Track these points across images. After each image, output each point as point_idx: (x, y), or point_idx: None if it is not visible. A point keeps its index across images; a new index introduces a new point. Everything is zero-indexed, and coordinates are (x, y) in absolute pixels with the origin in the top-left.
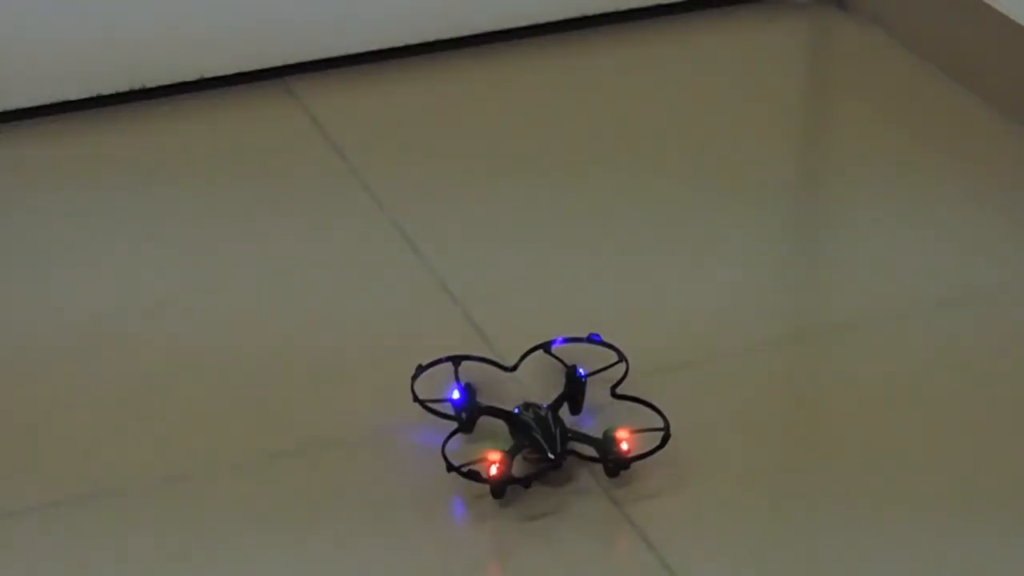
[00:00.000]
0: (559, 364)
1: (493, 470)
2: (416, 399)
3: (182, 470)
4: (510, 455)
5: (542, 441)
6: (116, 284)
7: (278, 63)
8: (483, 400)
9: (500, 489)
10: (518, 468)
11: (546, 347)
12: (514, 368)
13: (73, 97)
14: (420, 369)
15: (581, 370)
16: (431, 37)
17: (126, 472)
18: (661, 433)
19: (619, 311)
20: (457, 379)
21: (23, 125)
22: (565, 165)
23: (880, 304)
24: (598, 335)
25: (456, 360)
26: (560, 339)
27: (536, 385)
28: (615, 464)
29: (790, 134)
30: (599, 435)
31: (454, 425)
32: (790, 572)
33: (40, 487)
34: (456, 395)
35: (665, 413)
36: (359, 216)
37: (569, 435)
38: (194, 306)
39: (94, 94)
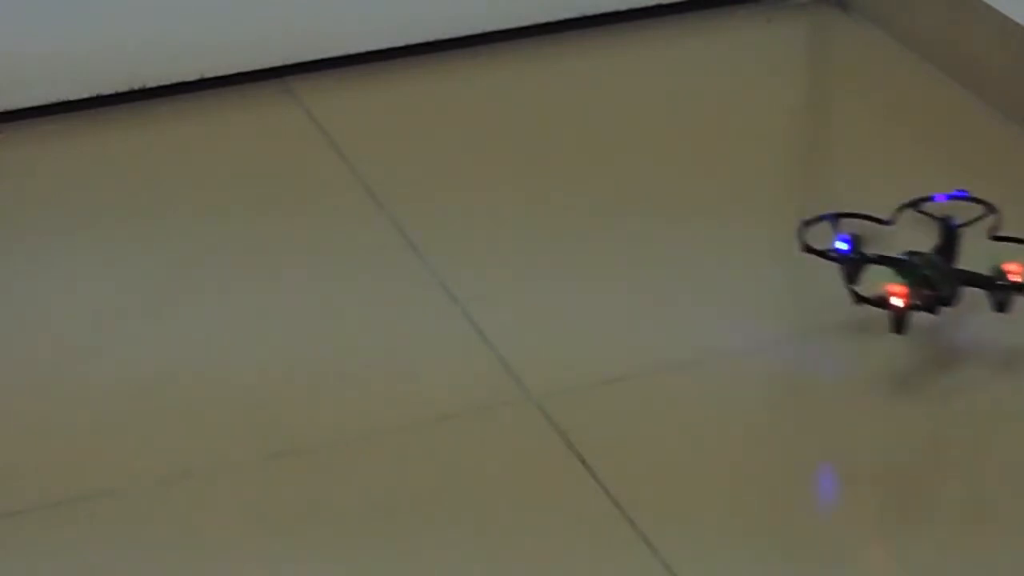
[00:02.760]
0: (931, 219)
1: (899, 302)
2: (806, 248)
3: (181, 470)
4: (911, 290)
5: (935, 279)
6: (116, 283)
7: (278, 63)
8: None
9: (902, 322)
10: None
11: (915, 204)
12: (890, 222)
13: (73, 97)
14: (804, 223)
15: (954, 221)
16: (431, 37)
17: (126, 472)
18: None
19: (618, 307)
20: (840, 232)
21: (23, 125)
22: (565, 165)
23: None
24: (964, 191)
25: (835, 217)
26: (934, 196)
27: (911, 239)
28: (1007, 292)
29: (790, 134)
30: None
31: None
32: (790, 573)
33: (40, 487)
34: (843, 245)
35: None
36: (359, 216)
37: (960, 272)
38: (194, 305)
39: (94, 94)
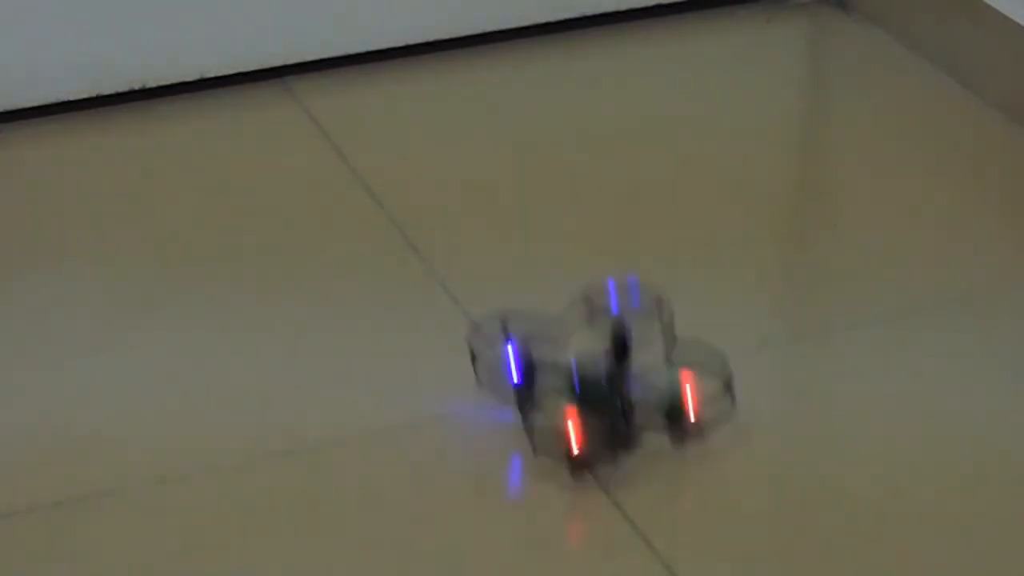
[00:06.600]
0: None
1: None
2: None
3: (181, 470)
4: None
5: (609, 423)
6: (115, 283)
7: (278, 63)
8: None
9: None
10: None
11: (589, 300)
12: (562, 320)
13: (73, 97)
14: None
15: (627, 325)
16: (431, 37)
17: (125, 472)
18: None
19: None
20: (515, 358)
21: (23, 125)
22: (564, 165)
23: (880, 305)
24: (635, 279)
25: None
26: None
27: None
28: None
29: (789, 134)
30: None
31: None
32: (790, 573)
33: (40, 487)
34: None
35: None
36: (358, 216)
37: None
38: (194, 305)
39: (94, 94)
